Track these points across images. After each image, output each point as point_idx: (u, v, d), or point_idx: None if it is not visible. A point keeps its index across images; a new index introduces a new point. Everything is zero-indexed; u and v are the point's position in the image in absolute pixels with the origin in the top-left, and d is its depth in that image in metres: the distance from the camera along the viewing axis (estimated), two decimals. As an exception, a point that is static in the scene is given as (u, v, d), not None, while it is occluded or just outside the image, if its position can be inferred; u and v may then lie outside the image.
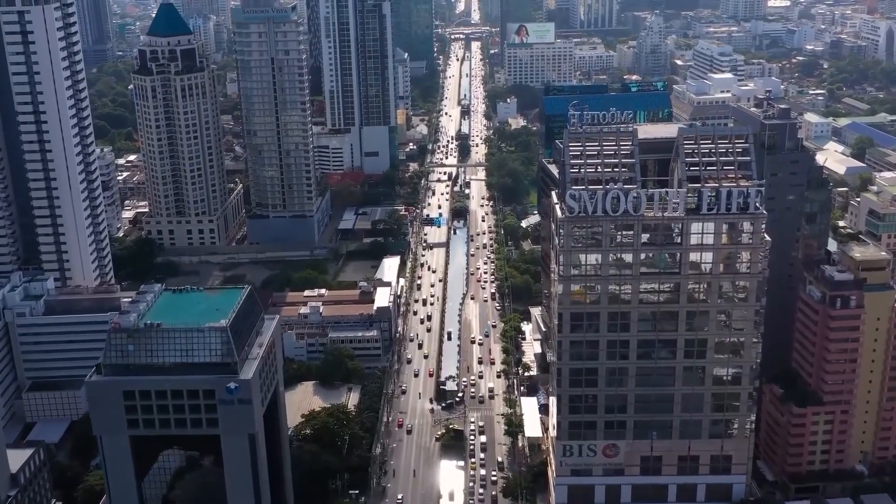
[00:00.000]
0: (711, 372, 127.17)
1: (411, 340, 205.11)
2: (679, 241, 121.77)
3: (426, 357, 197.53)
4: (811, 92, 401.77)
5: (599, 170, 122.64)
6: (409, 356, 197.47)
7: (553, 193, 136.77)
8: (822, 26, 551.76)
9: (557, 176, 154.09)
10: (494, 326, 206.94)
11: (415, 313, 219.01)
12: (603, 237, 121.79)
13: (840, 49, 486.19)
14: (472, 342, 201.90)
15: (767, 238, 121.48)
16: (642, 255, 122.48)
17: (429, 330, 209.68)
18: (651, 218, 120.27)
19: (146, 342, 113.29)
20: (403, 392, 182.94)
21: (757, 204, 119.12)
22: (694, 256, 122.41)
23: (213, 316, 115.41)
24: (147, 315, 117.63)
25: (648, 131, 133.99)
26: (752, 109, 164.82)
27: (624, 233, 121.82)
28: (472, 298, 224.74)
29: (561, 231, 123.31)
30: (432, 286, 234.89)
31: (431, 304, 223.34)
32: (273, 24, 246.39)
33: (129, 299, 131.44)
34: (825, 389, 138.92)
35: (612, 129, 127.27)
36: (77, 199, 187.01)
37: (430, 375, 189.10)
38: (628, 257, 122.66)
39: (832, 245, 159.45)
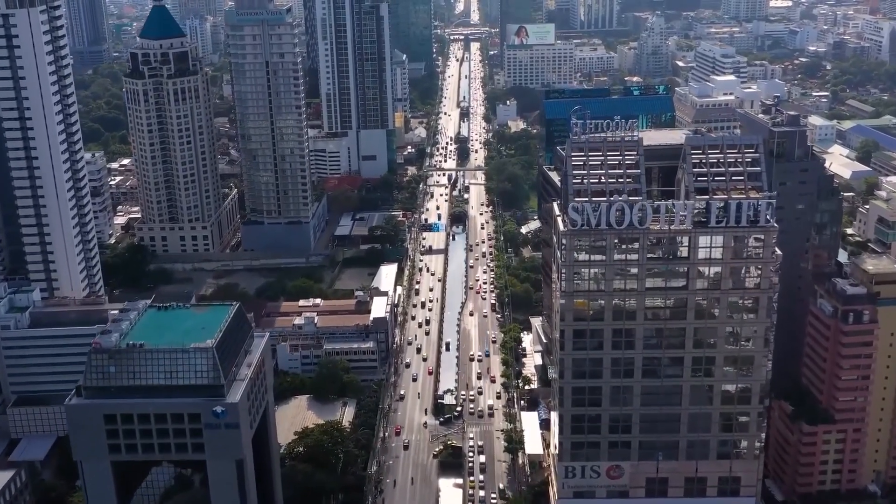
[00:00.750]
0: (719, 390, 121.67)
1: (409, 344, 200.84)
2: (686, 254, 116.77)
3: (425, 360, 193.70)
4: (814, 94, 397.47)
5: (603, 181, 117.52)
6: (408, 360, 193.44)
7: (555, 204, 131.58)
8: (825, 27, 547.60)
9: (558, 184, 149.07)
10: (494, 341, 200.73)
11: (413, 318, 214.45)
12: (607, 251, 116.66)
13: (843, 50, 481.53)
14: (472, 359, 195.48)
15: (778, 252, 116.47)
16: (648, 269, 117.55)
17: (427, 333, 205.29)
18: (657, 231, 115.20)
19: (128, 363, 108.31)
20: (402, 398, 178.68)
21: (768, 216, 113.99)
22: (702, 270, 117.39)
23: (199, 335, 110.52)
24: (130, 334, 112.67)
25: (652, 137, 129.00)
26: (760, 116, 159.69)
27: (629, 246, 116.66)
28: (472, 314, 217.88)
29: (563, 244, 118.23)
30: (431, 290, 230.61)
31: (430, 309, 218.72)
32: (267, 26, 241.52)
33: (118, 311, 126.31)
34: (837, 407, 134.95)
35: (615, 137, 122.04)
36: (64, 206, 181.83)
37: (430, 374, 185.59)
38: (633, 271, 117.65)
39: (842, 255, 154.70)
